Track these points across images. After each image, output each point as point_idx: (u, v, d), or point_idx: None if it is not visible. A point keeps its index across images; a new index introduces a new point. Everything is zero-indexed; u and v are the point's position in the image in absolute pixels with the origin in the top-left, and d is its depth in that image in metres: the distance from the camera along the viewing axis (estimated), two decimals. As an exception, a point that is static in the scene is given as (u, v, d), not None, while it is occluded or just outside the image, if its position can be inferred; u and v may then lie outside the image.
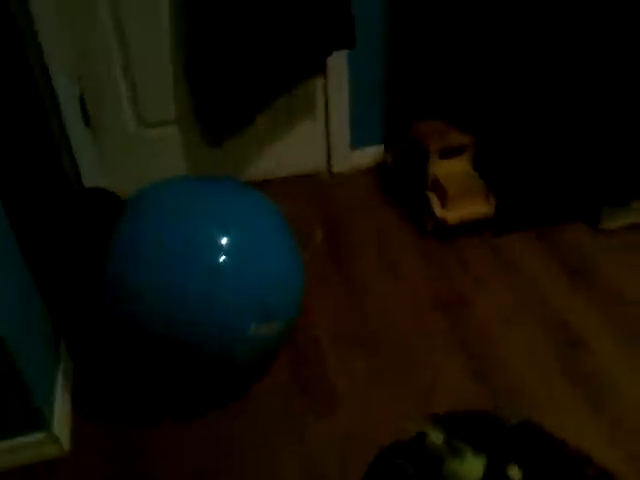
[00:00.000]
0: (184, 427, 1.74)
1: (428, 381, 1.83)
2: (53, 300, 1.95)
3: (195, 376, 1.76)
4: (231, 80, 2.44)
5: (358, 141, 2.76)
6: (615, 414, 1.71)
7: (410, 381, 1.83)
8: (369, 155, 2.80)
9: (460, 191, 2.31)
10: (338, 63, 2.53)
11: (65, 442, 1.70)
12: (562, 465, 0.57)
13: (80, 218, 2.11)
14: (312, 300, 2.12)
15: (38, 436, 1.65)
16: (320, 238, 2.42)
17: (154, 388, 1.86)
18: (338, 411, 1.76)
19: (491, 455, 0.51)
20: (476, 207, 2.33)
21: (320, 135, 2.73)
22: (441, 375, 1.84)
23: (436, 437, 0.54)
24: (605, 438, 1.64)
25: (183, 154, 2.61)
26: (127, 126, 2.50)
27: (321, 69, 2.55)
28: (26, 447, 1.65)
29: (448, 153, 2.38)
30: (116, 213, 1.76)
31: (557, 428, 1.63)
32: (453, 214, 2.32)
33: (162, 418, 1.77)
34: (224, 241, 1.60)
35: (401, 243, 2.37)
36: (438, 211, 2.33)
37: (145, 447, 1.70)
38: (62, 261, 2.03)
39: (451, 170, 2.39)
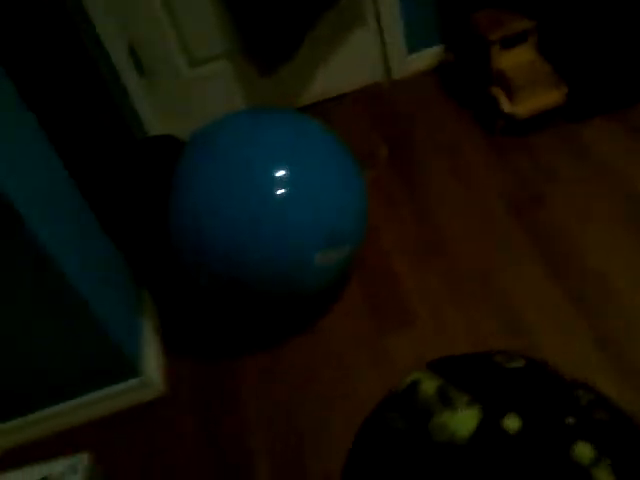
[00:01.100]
0: (266, 360, 1.79)
1: (506, 288, 1.76)
2: (130, 251, 2.02)
3: (271, 308, 1.80)
4: (274, 2, 2.35)
5: (415, 44, 2.62)
6: None
7: (487, 290, 1.77)
8: (429, 57, 2.65)
9: (527, 81, 2.15)
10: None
11: (159, 385, 1.80)
12: (568, 411, 0.52)
13: (146, 166, 2.15)
14: (382, 217, 2.08)
15: (133, 382, 1.75)
16: (386, 152, 2.35)
17: (235, 324, 1.92)
18: (413, 328, 1.74)
19: (487, 404, 0.47)
20: (546, 96, 2.17)
21: (375, 44, 2.61)
22: (519, 281, 1.77)
23: (429, 386, 0.51)
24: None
25: (238, 87, 2.58)
26: (179, 67, 2.49)
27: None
28: (123, 393, 1.76)
29: (510, 42, 2.21)
30: (177, 157, 1.77)
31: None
32: (522, 107, 2.17)
33: (245, 352, 1.83)
34: (284, 173, 1.60)
35: (471, 147, 2.25)
36: (506, 106, 2.19)
37: (232, 380, 1.77)
38: (133, 212, 2.08)
39: (516, 60, 2.22)
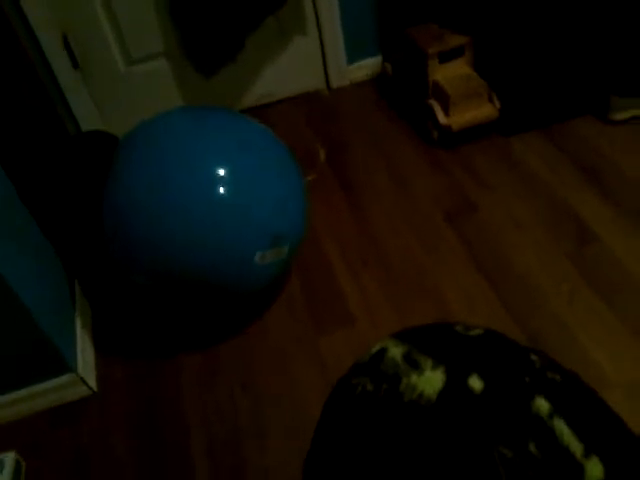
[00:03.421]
0: (204, 358, 1.78)
1: (439, 288, 1.83)
2: (63, 247, 1.96)
3: (209, 306, 1.79)
4: (214, 4, 2.36)
5: (355, 54, 2.68)
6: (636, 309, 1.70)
7: (421, 290, 1.83)
8: (367, 67, 2.72)
9: (463, 95, 2.24)
10: (324, -26, 2.43)
11: (92, 382, 1.75)
12: (525, 372, 0.56)
13: (79, 162, 2.10)
14: (320, 220, 2.11)
15: (64, 379, 1.70)
16: (324, 157, 2.39)
17: (172, 321, 1.89)
18: (351, 327, 1.77)
19: (451, 366, 0.50)
20: (480, 110, 2.27)
21: (315, 52, 2.65)
22: (452, 281, 1.84)
23: (395, 352, 0.53)
24: (624, 332, 1.64)
25: (176, 87, 2.56)
26: (116, 64, 2.44)
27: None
28: (54, 390, 1.70)
29: (447, 56, 2.30)
30: (111, 153, 1.74)
31: (572, 330, 1.64)
32: (457, 120, 2.26)
33: (182, 350, 1.81)
34: (222, 172, 1.58)
35: (406, 155, 2.32)
36: (442, 118, 2.27)
37: (168, 379, 1.74)
38: (65, 207, 2.03)
39: (452, 74, 2.31)
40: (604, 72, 2.21)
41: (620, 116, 2.23)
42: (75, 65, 2.39)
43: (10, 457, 1.56)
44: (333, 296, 1.87)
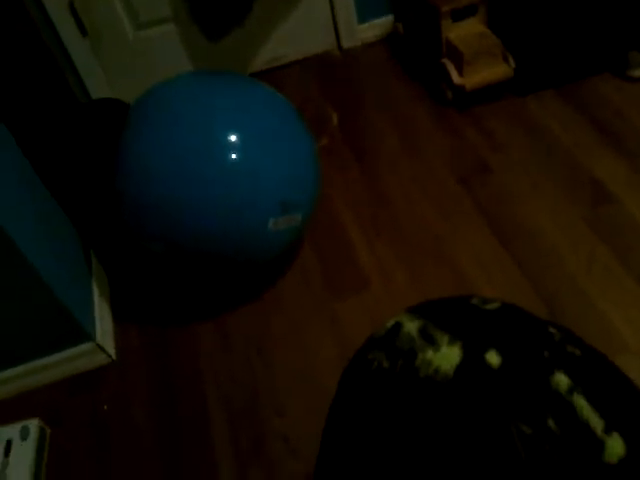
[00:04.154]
0: (219, 325, 1.79)
1: (455, 252, 1.82)
2: (76, 215, 1.97)
3: (224, 274, 1.79)
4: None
5: (366, 14, 2.62)
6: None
7: (436, 254, 1.82)
8: (379, 27, 2.66)
9: (477, 54, 2.19)
10: None
11: (110, 350, 1.78)
12: (544, 345, 0.56)
13: (90, 130, 2.09)
14: (333, 186, 2.10)
15: (83, 347, 1.72)
16: (336, 120, 2.36)
17: (187, 288, 1.91)
18: (366, 292, 1.78)
19: (468, 342, 0.49)
20: (495, 69, 2.22)
21: (325, 12, 2.60)
22: (467, 244, 1.83)
23: (411, 327, 0.53)
24: None
25: (185, 52, 2.53)
26: (124, 30, 2.41)
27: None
28: (74, 358, 1.73)
29: (460, 14, 2.24)
30: (123, 120, 1.73)
31: (591, 293, 1.63)
32: (471, 79, 2.22)
33: (198, 318, 1.82)
34: (234, 138, 1.57)
35: (419, 117, 2.29)
36: (455, 78, 2.23)
37: (185, 347, 1.76)
38: (78, 176, 2.03)
39: (465, 32, 2.25)
40: (622, 27, 2.15)
41: (639, 73, 2.18)
42: (83, 33, 2.36)
43: (34, 424, 1.59)
44: (347, 263, 1.87)
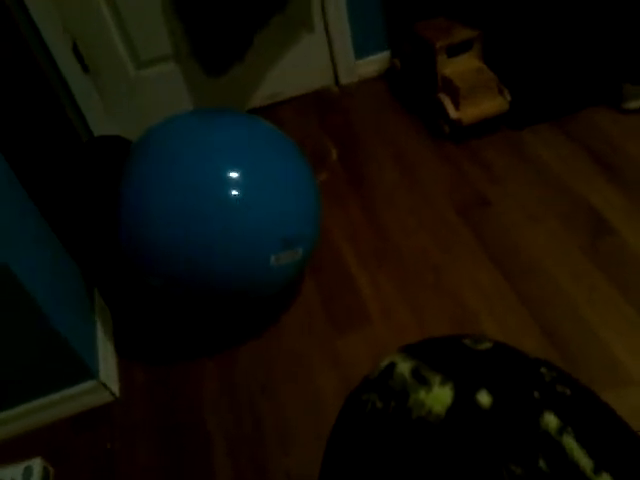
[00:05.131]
0: (223, 361, 1.80)
1: (455, 285, 1.83)
2: (81, 254, 1.99)
3: (225, 309, 1.81)
4: (221, 3, 2.36)
5: (363, 50, 2.67)
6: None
7: (437, 288, 1.83)
8: (376, 63, 2.71)
9: (472, 89, 2.23)
10: (330, -30, 2.43)
11: (114, 387, 1.78)
12: (534, 386, 0.57)
13: (92, 167, 2.12)
14: (333, 219, 2.12)
15: (86, 385, 1.73)
16: (335, 155, 2.39)
17: (190, 324, 1.92)
18: (367, 327, 1.78)
19: (459, 382, 0.51)
20: (490, 103, 2.26)
21: (322, 49, 2.65)
22: (467, 277, 1.84)
23: (404, 367, 0.54)
24: None
25: (186, 89, 2.57)
26: (125, 68, 2.46)
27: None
28: (77, 397, 1.73)
29: (456, 50, 2.29)
30: (124, 157, 1.76)
31: (593, 323, 1.64)
32: (467, 114, 2.25)
33: (201, 354, 1.83)
34: (234, 175, 1.59)
35: (417, 151, 2.32)
36: (452, 112, 2.27)
37: (188, 384, 1.77)
38: (80, 213, 2.05)
39: (461, 68, 2.30)
40: (615, 61, 2.19)
41: (634, 105, 2.21)
42: (85, 69, 2.41)
43: (37, 463, 1.59)
44: (349, 297, 1.88)
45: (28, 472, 1.57)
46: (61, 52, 2.33)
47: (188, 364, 1.82)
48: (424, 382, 0.53)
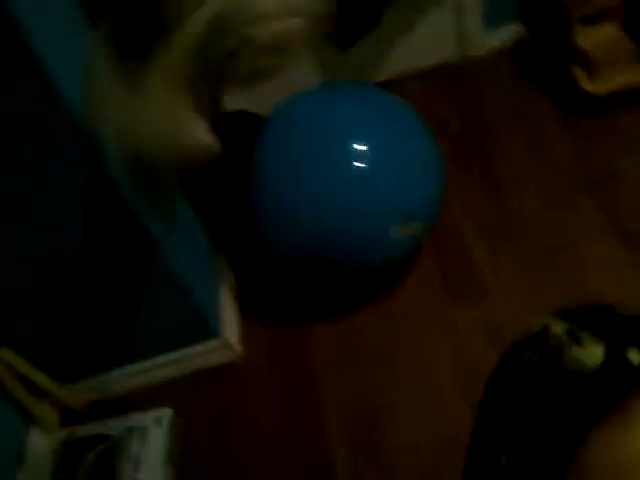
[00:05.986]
0: (341, 327, 1.83)
1: (577, 263, 1.76)
2: (210, 221, 2.08)
3: (345, 280, 1.84)
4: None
5: (493, 21, 2.58)
6: None
7: (558, 265, 1.78)
8: (506, 34, 2.61)
9: (610, 60, 2.11)
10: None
11: (237, 347, 1.87)
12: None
13: (225, 141, 2.20)
14: (453, 193, 2.08)
15: (212, 344, 1.83)
16: (459, 127, 2.34)
17: (312, 292, 1.96)
18: (484, 300, 1.76)
19: (610, 342, 0.51)
20: (629, 75, 2.12)
21: (452, 20, 2.59)
22: (591, 256, 1.76)
23: (557, 328, 0.56)
24: None
25: (311, 61, 2.60)
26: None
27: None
28: (203, 354, 1.84)
29: (594, 18, 2.16)
30: (258, 132, 1.82)
31: None
32: (603, 86, 2.13)
33: (320, 319, 1.87)
34: (362, 148, 1.62)
35: (547, 123, 2.23)
36: (586, 85, 2.15)
37: (308, 348, 1.82)
38: (215, 184, 2.13)
39: (598, 37, 2.17)
40: None
41: None
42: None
43: (167, 413, 1.71)
44: (466, 268, 1.87)
45: (159, 420, 1.68)
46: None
47: (307, 330, 1.86)
48: (578, 340, 0.55)
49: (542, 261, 1.80)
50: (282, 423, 1.67)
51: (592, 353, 0.51)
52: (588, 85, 2.15)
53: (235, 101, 2.58)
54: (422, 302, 1.82)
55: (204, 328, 1.79)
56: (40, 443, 1.69)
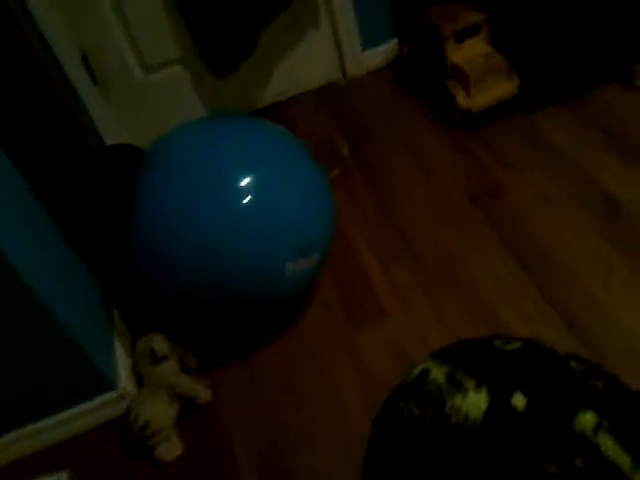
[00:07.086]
0: (243, 366, 1.78)
1: (473, 277, 1.80)
2: (95, 265, 1.98)
3: (242, 316, 1.79)
4: (226, 3, 2.34)
5: (370, 40, 2.64)
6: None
7: (454, 280, 1.81)
8: (383, 53, 2.68)
9: (482, 74, 2.20)
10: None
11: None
12: (567, 383, 0.55)
13: (105, 177, 2.11)
14: (347, 216, 2.10)
15: (108, 396, 1.73)
16: (346, 151, 2.37)
17: (207, 331, 1.90)
18: (386, 323, 1.76)
19: (494, 386, 0.50)
20: (500, 88, 2.22)
21: (328, 42, 2.63)
22: (484, 268, 1.81)
23: (437, 373, 0.54)
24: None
25: (194, 91, 2.56)
26: (133, 75, 2.46)
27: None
28: (100, 408, 1.73)
29: (464, 35, 2.25)
30: (136, 168, 1.75)
31: (613, 309, 1.60)
32: (478, 100, 2.22)
33: (220, 361, 1.81)
34: (246, 182, 1.55)
35: (429, 140, 2.29)
36: (462, 99, 2.23)
37: (214, 384, 1.75)
38: (95, 225, 2.04)
39: (469, 53, 2.26)
40: (626, 38, 2.15)
41: (646, 81, 2.17)
42: (94, 81, 2.41)
43: (64, 476, 1.59)
44: (366, 293, 1.86)
45: (55, 485, 1.57)
46: (70, 65, 2.32)
47: (208, 371, 1.80)
48: (459, 387, 0.52)
49: (438, 277, 1.83)
50: (189, 467, 1.60)
51: (475, 403, 0.50)
52: (464, 101, 2.22)
53: (117, 135, 2.50)
54: (324, 329, 1.81)
55: (99, 380, 1.69)
56: None
